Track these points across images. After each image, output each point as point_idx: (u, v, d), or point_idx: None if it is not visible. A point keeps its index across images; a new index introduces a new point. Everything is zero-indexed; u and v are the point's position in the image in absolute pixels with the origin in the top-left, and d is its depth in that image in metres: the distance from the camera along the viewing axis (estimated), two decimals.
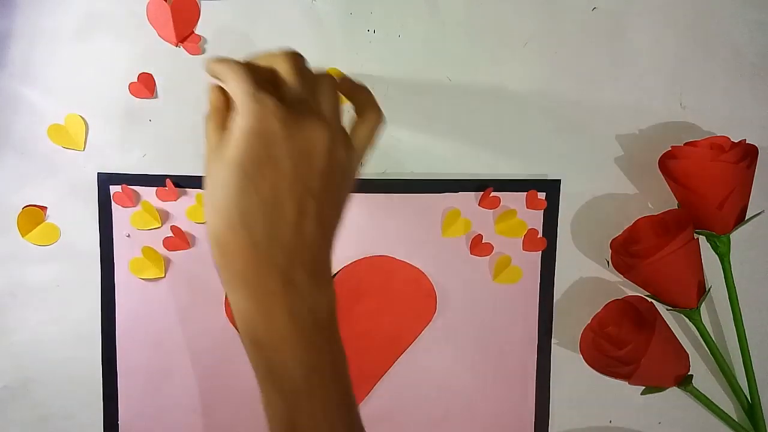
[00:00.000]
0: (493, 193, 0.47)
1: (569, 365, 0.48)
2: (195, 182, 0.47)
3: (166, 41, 0.46)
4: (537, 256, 0.48)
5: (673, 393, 0.47)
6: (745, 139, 0.44)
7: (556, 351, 0.48)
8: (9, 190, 0.47)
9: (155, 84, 0.46)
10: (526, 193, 0.47)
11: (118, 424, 0.48)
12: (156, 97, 0.47)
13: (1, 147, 0.47)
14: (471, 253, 0.48)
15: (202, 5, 0.46)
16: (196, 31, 0.46)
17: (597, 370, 0.46)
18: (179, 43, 0.46)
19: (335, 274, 0.47)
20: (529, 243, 0.48)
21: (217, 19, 0.46)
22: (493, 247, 0.48)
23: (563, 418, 0.49)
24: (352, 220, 0.47)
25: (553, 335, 0.48)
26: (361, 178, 0.46)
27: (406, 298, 0.48)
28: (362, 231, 0.47)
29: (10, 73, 0.46)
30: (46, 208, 0.47)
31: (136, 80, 0.46)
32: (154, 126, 0.47)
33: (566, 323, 0.48)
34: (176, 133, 0.47)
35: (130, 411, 0.48)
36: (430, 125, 0.47)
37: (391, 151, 0.47)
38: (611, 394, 0.48)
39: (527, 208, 0.47)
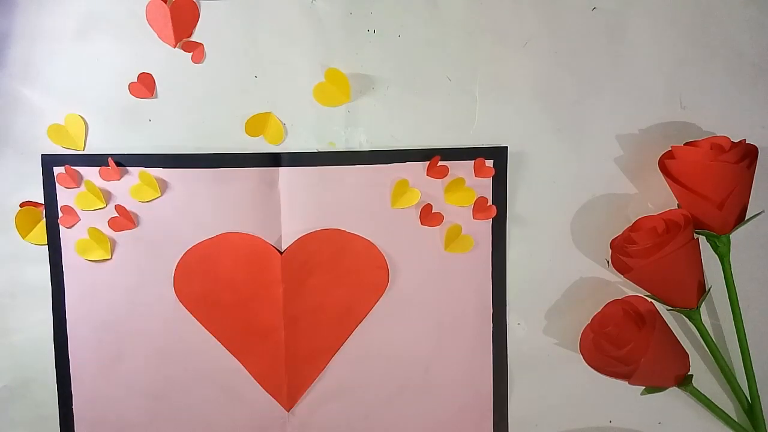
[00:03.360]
0: (441, 162, 0.47)
1: (569, 365, 0.48)
2: (137, 161, 0.46)
3: (166, 43, 0.46)
4: (488, 224, 0.48)
5: (673, 393, 0.47)
6: (745, 139, 0.44)
7: (556, 351, 0.48)
8: (9, 190, 0.47)
9: (155, 84, 0.46)
10: (473, 161, 0.47)
11: (72, 410, 0.48)
12: (156, 97, 0.47)
13: (1, 147, 0.47)
14: (421, 224, 0.47)
15: (202, 6, 0.46)
16: (196, 32, 0.46)
17: (597, 370, 0.46)
18: (177, 45, 0.46)
19: (285, 249, 0.47)
20: (478, 211, 0.47)
21: (217, 20, 0.46)
22: (443, 217, 0.47)
23: (563, 417, 0.49)
24: (301, 194, 0.47)
25: (552, 335, 0.48)
26: (307, 152, 0.46)
27: (357, 271, 0.47)
28: (311, 205, 0.47)
29: (10, 73, 0.46)
30: (44, 206, 0.47)
31: (135, 80, 0.46)
32: (153, 126, 0.47)
33: (566, 323, 0.48)
34: (176, 133, 0.47)
35: (83, 396, 0.48)
36: (430, 124, 0.47)
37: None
38: (611, 394, 0.48)
39: (476, 176, 0.47)
